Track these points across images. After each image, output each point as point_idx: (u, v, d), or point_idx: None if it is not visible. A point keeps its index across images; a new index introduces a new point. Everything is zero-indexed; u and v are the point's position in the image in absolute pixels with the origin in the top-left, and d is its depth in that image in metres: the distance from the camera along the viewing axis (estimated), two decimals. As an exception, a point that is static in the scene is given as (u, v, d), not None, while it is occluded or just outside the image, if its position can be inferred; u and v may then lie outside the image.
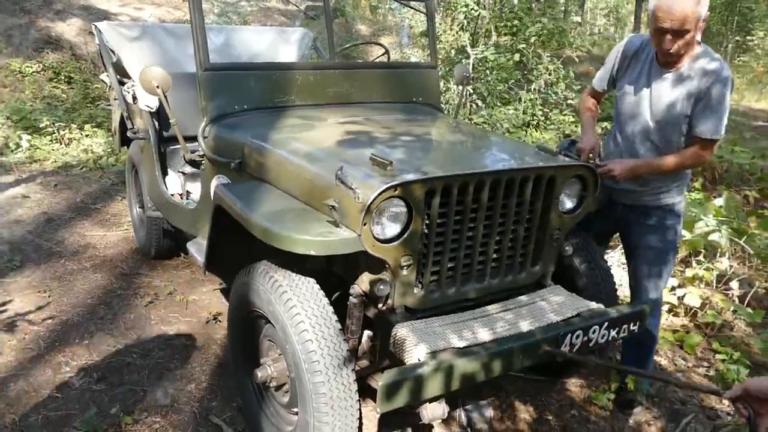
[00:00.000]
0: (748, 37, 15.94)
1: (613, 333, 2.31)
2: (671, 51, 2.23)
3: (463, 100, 7.13)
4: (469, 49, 7.83)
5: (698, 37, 2.28)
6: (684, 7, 2.10)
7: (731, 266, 4.07)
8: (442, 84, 7.00)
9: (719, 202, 4.64)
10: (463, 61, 7.69)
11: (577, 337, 2.21)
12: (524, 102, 7.04)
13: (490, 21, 8.80)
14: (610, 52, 2.63)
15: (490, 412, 2.84)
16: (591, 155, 2.56)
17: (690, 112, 2.35)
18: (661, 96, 2.40)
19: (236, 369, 2.68)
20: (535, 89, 7.22)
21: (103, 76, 4.62)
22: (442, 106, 4.66)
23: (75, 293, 3.77)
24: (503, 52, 7.97)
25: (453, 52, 8.36)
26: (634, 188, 2.61)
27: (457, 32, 8.43)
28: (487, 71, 7.83)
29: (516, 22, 8.78)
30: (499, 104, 7.39)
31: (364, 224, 1.98)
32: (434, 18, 3.73)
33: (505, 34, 8.86)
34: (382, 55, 4.05)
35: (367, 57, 11.25)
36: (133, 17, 10.80)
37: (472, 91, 7.45)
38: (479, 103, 7.42)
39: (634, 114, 2.51)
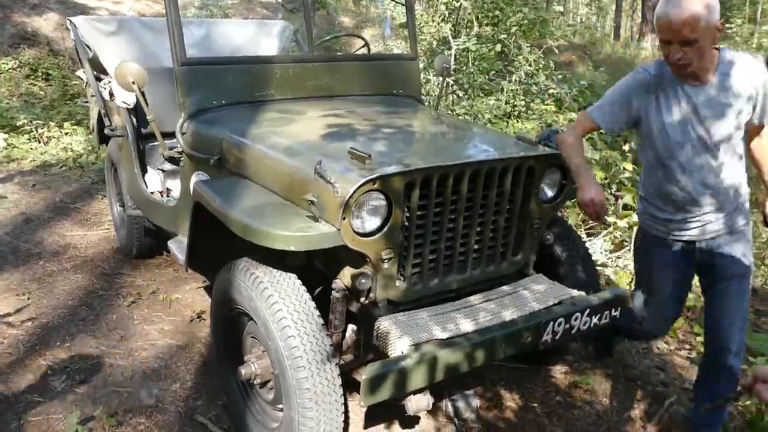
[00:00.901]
0: (727, 25, 16.08)
1: (594, 320, 2.33)
2: (680, 60, 2.05)
3: (444, 91, 7.11)
4: (450, 39, 7.81)
5: (713, 44, 2.08)
6: (687, 15, 1.96)
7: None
8: (423, 75, 6.98)
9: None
10: (445, 52, 7.67)
11: (559, 324, 2.22)
12: (506, 92, 7.04)
13: (472, 11, 8.78)
14: (613, 91, 2.34)
15: (476, 402, 2.85)
16: (599, 212, 2.27)
17: (753, 112, 2.15)
18: (713, 110, 2.15)
19: (220, 367, 2.67)
20: (516, 80, 7.22)
21: (80, 73, 4.56)
22: (423, 97, 4.65)
23: (55, 295, 3.72)
24: (485, 43, 7.96)
25: (435, 43, 8.34)
26: (703, 218, 2.29)
27: (438, 23, 8.40)
28: (469, 62, 7.82)
29: (497, 12, 8.77)
30: (480, 95, 7.39)
31: (344, 218, 1.97)
32: (413, 9, 3.71)
33: (487, 25, 8.85)
34: (363, 47, 4.03)
35: (349, 49, 11.19)
36: (112, 11, 10.65)
37: (453, 82, 7.43)
38: (460, 94, 7.41)
39: (683, 142, 2.20)
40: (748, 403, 2.86)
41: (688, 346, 3.38)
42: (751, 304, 3.95)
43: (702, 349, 3.22)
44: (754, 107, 2.15)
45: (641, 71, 2.30)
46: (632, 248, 2.58)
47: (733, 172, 2.23)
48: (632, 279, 3.67)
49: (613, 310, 2.35)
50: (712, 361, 2.45)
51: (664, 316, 2.59)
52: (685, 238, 2.35)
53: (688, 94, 2.17)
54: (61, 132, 7.37)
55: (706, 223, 2.29)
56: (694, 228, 2.32)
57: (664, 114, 2.21)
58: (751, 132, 2.24)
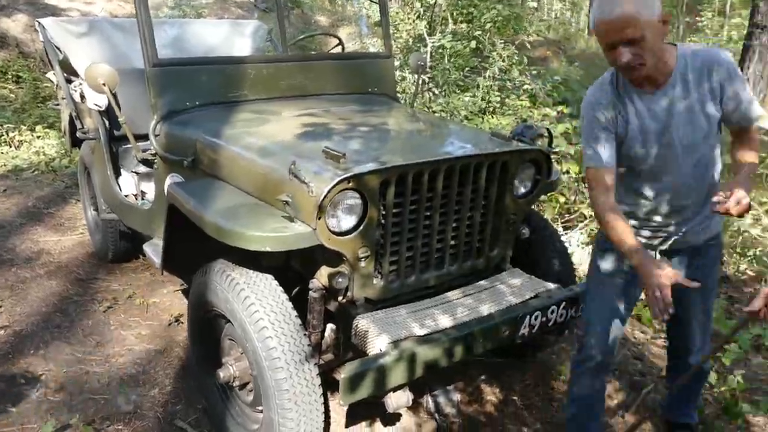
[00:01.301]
0: (698, 18, 16.33)
1: (571, 312, 2.37)
2: (631, 62, 1.81)
3: (420, 88, 7.12)
4: (426, 37, 7.82)
5: (662, 39, 1.85)
6: (623, 12, 1.75)
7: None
8: (398, 73, 6.99)
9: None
10: (421, 49, 7.69)
11: (536, 318, 2.25)
12: (481, 89, 7.08)
13: (447, 9, 8.81)
14: (584, 125, 2.05)
15: (456, 397, 2.87)
16: (664, 308, 1.78)
17: (719, 110, 1.92)
18: (676, 115, 1.93)
19: (199, 370, 2.64)
20: (490, 76, 7.26)
21: (51, 75, 4.48)
22: (399, 95, 4.65)
23: (29, 302, 3.66)
24: (460, 40, 7.99)
25: (410, 41, 8.35)
26: (671, 230, 2.09)
27: (413, 21, 8.41)
28: (444, 59, 7.85)
29: (472, 9, 8.81)
30: (456, 92, 7.41)
31: (319, 218, 1.97)
32: (387, 7, 3.71)
33: (462, 22, 8.89)
34: (337, 46, 4.02)
35: (324, 49, 11.16)
36: (83, 12, 10.47)
37: (428, 80, 7.45)
38: (436, 91, 7.43)
39: (646, 155, 2.00)
40: (723, 389, 2.92)
41: (663, 335, 3.43)
42: (725, 291, 4.03)
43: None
44: (722, 104, 1.91)
45: (592, 92, 2.04)
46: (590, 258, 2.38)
47: (705, 181, 2.02)
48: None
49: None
50: (676, 363, 2.47)
51: (615, 335, 2.24)
52: (652, 250, 2.13)
53: (647, 101, 1.94)
54: (32, 135, 7.22)
55: (674, 236, 2.09)
56: (662, 240, 2.12)
57: (626, 126, 1.98)
58: (737, 134, 2.00)
